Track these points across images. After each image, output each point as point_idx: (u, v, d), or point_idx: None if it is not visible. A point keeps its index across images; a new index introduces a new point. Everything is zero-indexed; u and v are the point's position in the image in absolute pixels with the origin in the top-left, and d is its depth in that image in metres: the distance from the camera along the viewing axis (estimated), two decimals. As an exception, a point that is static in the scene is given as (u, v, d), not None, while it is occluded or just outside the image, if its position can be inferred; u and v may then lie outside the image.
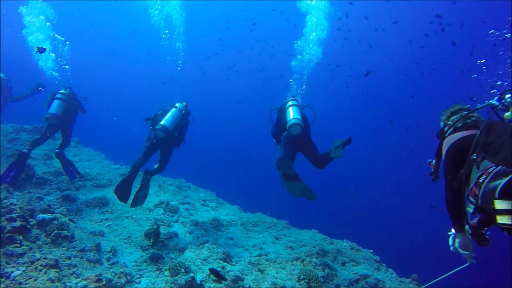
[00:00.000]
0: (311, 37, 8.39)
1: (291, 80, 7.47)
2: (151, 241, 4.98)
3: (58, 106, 6.29)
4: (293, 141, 5.06)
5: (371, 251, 6.08)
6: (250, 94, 30.96)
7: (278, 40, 23.11)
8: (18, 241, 4.16)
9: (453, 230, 2.51)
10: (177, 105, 5.43)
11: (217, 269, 4.41)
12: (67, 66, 9.47)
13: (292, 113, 4.97)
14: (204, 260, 4.68)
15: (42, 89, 9.49)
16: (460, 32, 17.75)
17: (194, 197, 7.50)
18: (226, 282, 4.21)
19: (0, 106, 9.21)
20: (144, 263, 4.48)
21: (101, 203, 6.14)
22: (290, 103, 5.19)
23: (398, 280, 5.35)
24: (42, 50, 7.02)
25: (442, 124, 2.97)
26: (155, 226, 5.06)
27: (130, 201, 5.38)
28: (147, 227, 5.17)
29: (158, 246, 4.97)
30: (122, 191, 5.21)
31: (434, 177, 2.84)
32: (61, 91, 6.52)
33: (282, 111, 5.30)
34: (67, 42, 9.87)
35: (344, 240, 6.48)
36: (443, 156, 2.55)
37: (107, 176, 8.04)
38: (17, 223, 4.47)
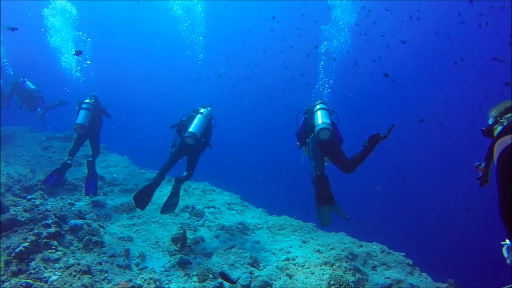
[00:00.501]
0: (340, 23, 8.25)
1: (320, 68, 7.28)
2: (178, 246, 5.01)
3: (84, 116, 6.51)
4: (321, 145, 4.92)
5: (403, 254, 5.82)
6: (273, 94, 30.86)
7: (300, 38, 22.80)
8: (54, 247, 4.30)
9: (508, 241, 2.19)
10: (202, 110, 5.44)
11: (245, 274, 4.36)
12: (88, 61, 9.80)
13: (320, 117, 4.83)
14: (232, 265, 4.64)
15: (64, 105, 9.96)
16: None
17: (219, 200, 7.51)
18: (236, 285, 4.16)
19: (39, 115, 9.70)
20: (172, 269, 4.51)
21: (128, 208, 6.27)
22: (318, 106, 5.05)
23: (434, 285, 5.08)
24: (79, 53, 7.26)
25: (491, 120, 2.63)
26: (181, 231, 5.08)
27: (151, 206, 5.43)
28: (174, 232, 5.21)
29: (185, 251, 4.99)
30: (142, 198, 5.11)
31: (483, 182, 2.52)
32: (86, 100, 6.74)
33: (310, 113, 5.18)
34: (89, 40, 10.21)
35: (374, 243, 6.25)
36: (495, 160, 2.23)
37: (133, 181, 8.22)
38: (52, 229, 4.63)
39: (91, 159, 6.84)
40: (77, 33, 10.48)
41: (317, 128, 4.76)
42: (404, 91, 25.56)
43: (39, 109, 9.82)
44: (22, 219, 4.83)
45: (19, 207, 5.24)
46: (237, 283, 4.20)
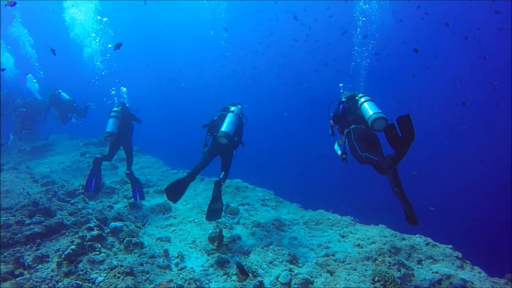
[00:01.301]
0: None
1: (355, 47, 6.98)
2: (215, 245, 5.01)
3: (113, 124, 6.73)
4: (365, 137, 4.71)
5: (450, 246, 5.45)
6: (300, 87, 30.32)
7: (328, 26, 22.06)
8: (97, 249, 4.45)
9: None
10: (232, 108, 5.37)
11: (284, 272, 4.27)
12: (108, 55, 10.09)
13: (371, 107, 4.70)
14: (271, 263, 4.57)
15: (94, 106, 10.31)
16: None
17: (252, 197, 7.47)
18: (250, 277, 4.09)
19: (75, 120, 10.20)
20: (211, 268, 4.51)
21: (164, 209, 6.38)
22: (363, 99, 4.88)
23: (490, 280, 4.69)
24: (119, 46, 7.29)
25: None
26: (218, 230, 5.08)
27: (186, 205, 5.45)
28: (210, 231, 5.22)
29: (223, 249, 4.98)
30: (175, 191, 5.07)
31: None
32: (114, 109, 6.94)
33: (353, 103, 5.00)
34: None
35: (417, 235, 5.91)
36: None
37: (167, 181, 8.38)
38: (95, 232, 4.80)
39: (128, 171, 7.01)
40: (100, 26, 10.84)
41: (372, 118, 4.57)
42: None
43: (73, 115, 10.30)
44: (68, 223, 5.05)
45: (65, 211, 5.49)
46: (249, 276, 4.13)
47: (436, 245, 5.57)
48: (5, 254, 4.18)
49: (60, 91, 10.31)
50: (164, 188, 5.04)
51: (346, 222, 6.37)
